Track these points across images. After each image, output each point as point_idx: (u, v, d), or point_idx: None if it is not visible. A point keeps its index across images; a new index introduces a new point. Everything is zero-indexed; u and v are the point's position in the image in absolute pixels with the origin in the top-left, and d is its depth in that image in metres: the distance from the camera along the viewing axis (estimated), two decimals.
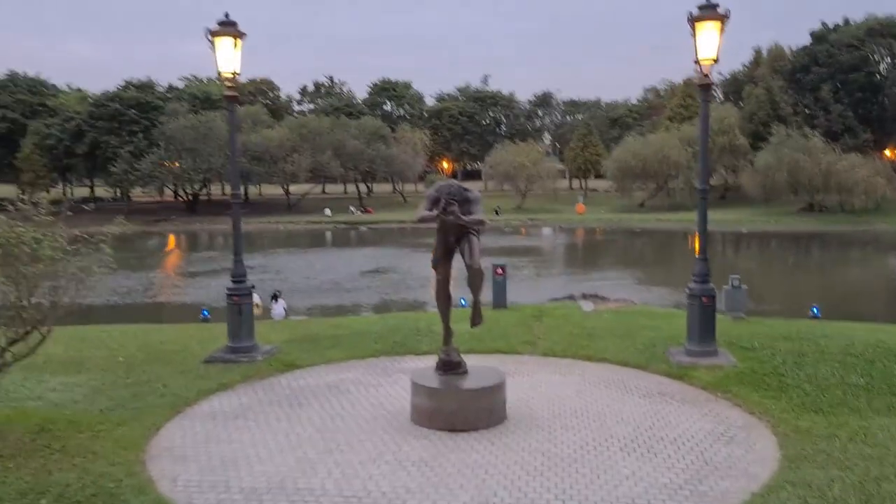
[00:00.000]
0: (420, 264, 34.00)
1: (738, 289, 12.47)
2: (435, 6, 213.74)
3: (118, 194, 71.73)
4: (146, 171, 61.14)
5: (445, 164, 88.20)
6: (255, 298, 15.48)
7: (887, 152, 63.42)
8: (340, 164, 67.25)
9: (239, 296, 9.96)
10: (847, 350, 9.84)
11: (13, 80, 70.59)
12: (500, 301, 14.64)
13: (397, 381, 8.94)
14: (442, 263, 7.45)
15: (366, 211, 70.04)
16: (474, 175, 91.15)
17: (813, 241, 45.81)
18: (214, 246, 49.16)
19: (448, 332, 7.72)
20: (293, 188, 72.28)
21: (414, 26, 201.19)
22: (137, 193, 73.05)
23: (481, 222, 7.15)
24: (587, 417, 7.52)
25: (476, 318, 7.56)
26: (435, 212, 7.01)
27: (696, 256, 9.76)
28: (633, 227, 56.45)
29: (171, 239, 51.66)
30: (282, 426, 7.42)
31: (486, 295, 18.92)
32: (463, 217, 6.95)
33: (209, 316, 16.10)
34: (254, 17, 77.62)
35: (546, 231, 56.54)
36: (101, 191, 71.88)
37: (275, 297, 16.10)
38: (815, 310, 15.56)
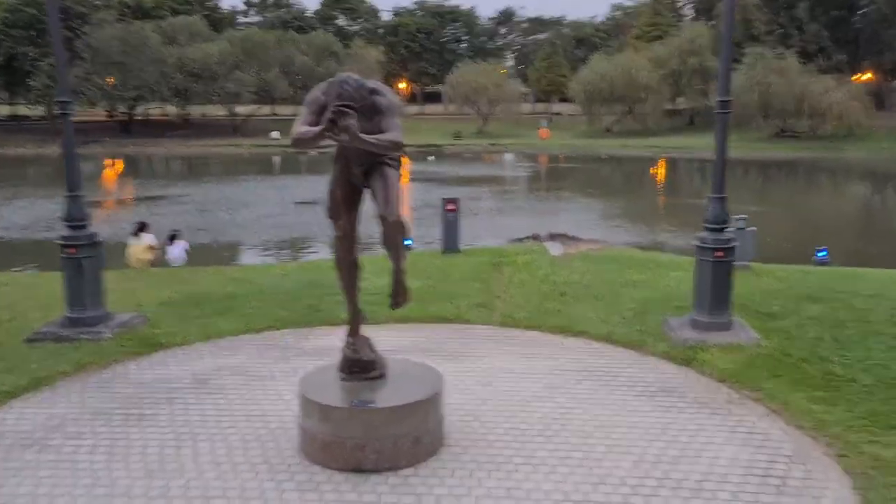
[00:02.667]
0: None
1: (743, 231, 10.01)
2: None
3: (49, 113, 65.79)
4: (71, 86, 55.41)
5: (403, 85, 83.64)
6: (149, 238, 12.60)
7: (866, 76, 61.30)
8: (289, 82, 62.53)
9: (77, 246, 7.08)
10: None
11: None
12: (451, 244, 12.02)
13: (297, 370, 6.32)
14: (343, 212, 4.72)
15: None
16: (434, 97, 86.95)
17: (787, 169, 43.92)
18: (154, 172, 45.08)
19: (356, 317, 5.06)
20: (239, 109, 67.35)
21: None
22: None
23: (396, 144, 4.39)
24: (565, 441, 5.02)
25: (398, 295, 4.90)
26: (319, 127, 4.23)
27: (710, 195, 7.16)
28: (600, 153, 53.87)
29: (119, 164, 46.89)
30: (95, 463, 4.77)
31: (435, 234, 16.27)
32: (365, 136, 4.18)
33: None
34: None
35: (508, 157, 53.67)
36: (26, 109, 65.61)
37: (172, 237, 13.15)
38: (821, 253, 13.31)
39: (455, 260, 11.13)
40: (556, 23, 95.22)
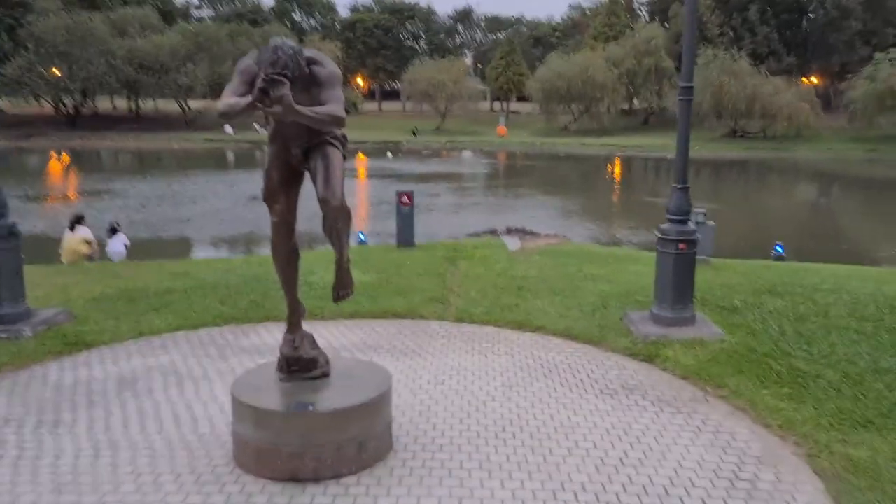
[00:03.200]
0: None
1: (703, 225, 9.84)
2: None
3: None
4: (12, 77, 53.24)
5: (360, 81, 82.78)
6: (84, 232, 11.89)
7: (814, 79, 62.78)
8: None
9: None
10: (857, 312, 7.38)
11: None
12: (406, 237, 11.62)
13: (235, 370, 5.86)
14: (280, 196, 4.28)
15: None
16: (393, 95, 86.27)
17: (739, 168, 44.61)
18: (101, 166, 43.40)
19: (296, 311, 4.62)
20: (193, 103, 65.59)
21: None
22: (12, 106, 64.55)
23: (336, 119, 3.92)
24: (522, 444, 4.67)
25: (341, 287, 4.45)
26: (248, 97, 3.77)
27: (674, 185, 6.90)
28: (558, 151, 54.02)
29: (65, 158, 44.88)
30: None
31: (391, 230, 15.83)
32: (301, 108, 3.73)
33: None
34: None
35: (466, 154, 53.41)
36: None
37: (112, 230, 12.43)
38: (778, 248, 13.27)
39: (410, 254, 10.72)
40: (513, 22, 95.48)
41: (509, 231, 13.17)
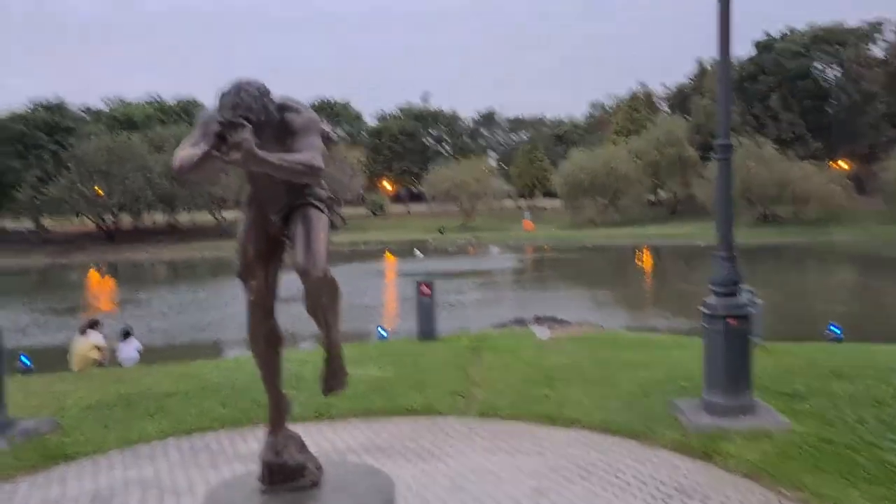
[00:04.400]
0: (354, 288, 30.02)
1: (753, 304, 8.94)
2: (379, 30, 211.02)
3: (37, 225, 65.43)
4: (55, 197, 55.26)
5: (387, 185, 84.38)
6: (96, 337, 11.41)
7: (842, 163, 62.21)
8: None
9: None
10: None
11: None
12: (427, 329, 10.88)
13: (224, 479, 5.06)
14: (257, 268, 3.66)
15: None
16: (419, 197, 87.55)
17: (775, 254, 43.43)
18: (135, 278, 43.85)
19: (278, 407, 3.90)
20: (227, 214, 67.03)
21: (354, 50, 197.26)
22: (56, 225, 66.69)
23: (310, 167, 3.29)
24: None
25: (331, 377, 3.74)
26: (203, 147, 3.22)
27: (717, 254, 6.16)
28: (585, 243, 53.51)
29: (101, 272, 45.67)
30: None
31: (409, 321, 15.02)
32: (266, 154, 3.14)
33: (31, 365, 11.83)
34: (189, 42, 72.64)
35: (494, 250, 53.14)
36: (10, 222, 65.39)
37: (125, 335, 11.94)
38: (834, 328, 12.20)
39: (430, 346, 9.96)
40: (535, 122, 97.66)
41: (538, 320, 12.37)
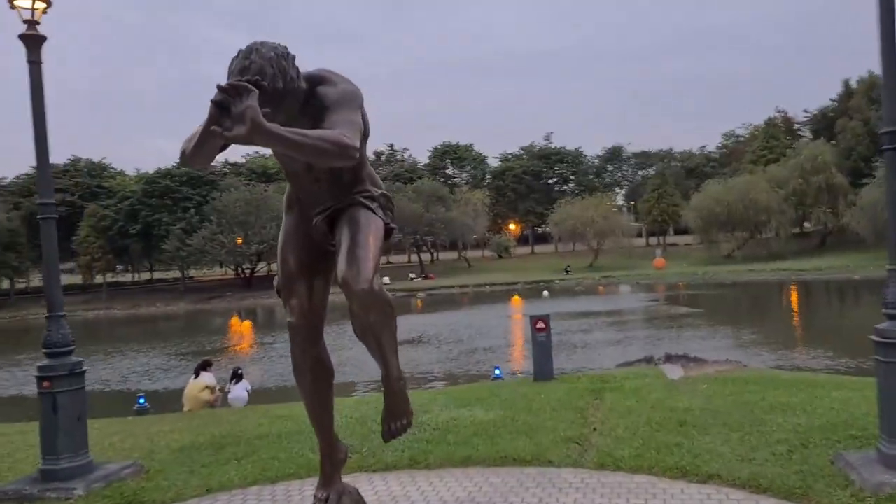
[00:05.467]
0: (477, 331, 29.48)
1: None
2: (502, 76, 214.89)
3: (184, 274, 70.67)
4: (198, 247, 59.41)
5: (512, 226, 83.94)
6: (207, 378, 11.43)
7: None
8: (399, 228, 64.08)
9: (51, 378, 5.74)
10: None
11: (74, 164, 71.61)
12: (543, 369, 10.02)
13: None
14: (299, 283, 3.07)
15: (427, 277, 66.18)
16: (544, 238, 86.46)
17: None
18: (270, 323, 45.74)
19: (331, 455, 3.24)
20: None
21: (477, 95, 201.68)
22: (199, 274, 71.71)
23: (336, 144, 2.57)
24: None
25: (392, 417, 3.05)
26: (201, 125, 2.65)
27: (891, 268, 4.95)
28: (723, 280, 50.08)
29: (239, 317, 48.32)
30: None
31: (523, 361, 14.07)
32: (278, 128, 2.49)
33: (147, 406, 12.02)
34: None
35: (624, 289, 50.94)
36: (159, 273, 71.13)
37: (236, 377, 11.91)
38: None
39: (545, 387, 9.06)
40: (664, 156, 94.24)
41: (669, 358, 11.11)
